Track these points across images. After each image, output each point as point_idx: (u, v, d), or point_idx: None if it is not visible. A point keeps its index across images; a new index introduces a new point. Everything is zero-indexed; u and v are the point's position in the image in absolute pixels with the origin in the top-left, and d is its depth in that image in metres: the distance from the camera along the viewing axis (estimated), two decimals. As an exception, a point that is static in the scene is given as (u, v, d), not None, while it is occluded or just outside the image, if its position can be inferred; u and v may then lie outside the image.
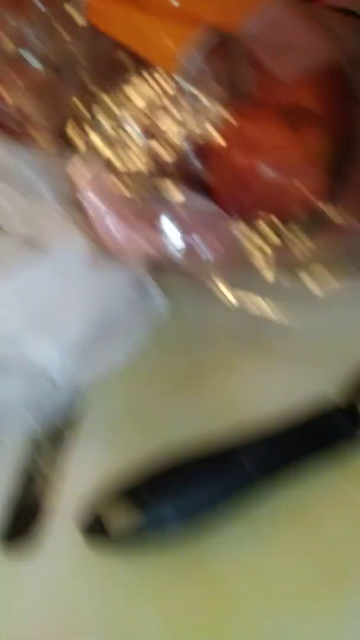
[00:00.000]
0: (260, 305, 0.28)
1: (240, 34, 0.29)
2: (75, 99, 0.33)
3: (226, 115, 0.32)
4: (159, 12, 0.28)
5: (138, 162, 0.31)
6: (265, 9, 0.29)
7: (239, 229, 0.32)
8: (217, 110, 0.32)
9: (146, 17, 0.27)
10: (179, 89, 0.29)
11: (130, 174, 0.30)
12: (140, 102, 0.30)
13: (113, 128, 0.30)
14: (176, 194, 0.31)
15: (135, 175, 0.31)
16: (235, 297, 0.29)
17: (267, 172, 0.32)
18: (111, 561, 0.25)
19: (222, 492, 0.26)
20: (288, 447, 0.26)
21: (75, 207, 0.32)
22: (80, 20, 0.29)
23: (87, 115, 0.31)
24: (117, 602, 0.24)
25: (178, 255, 0.28)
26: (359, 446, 0.27)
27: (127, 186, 0.30)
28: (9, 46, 0.35)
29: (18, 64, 0.36)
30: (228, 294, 0.28)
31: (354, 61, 0.32)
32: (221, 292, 0.28)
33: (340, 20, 0.32)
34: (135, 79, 0.29)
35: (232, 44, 0.32)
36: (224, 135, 0.32)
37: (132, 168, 0.31)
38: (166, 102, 0.30)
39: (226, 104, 0.32)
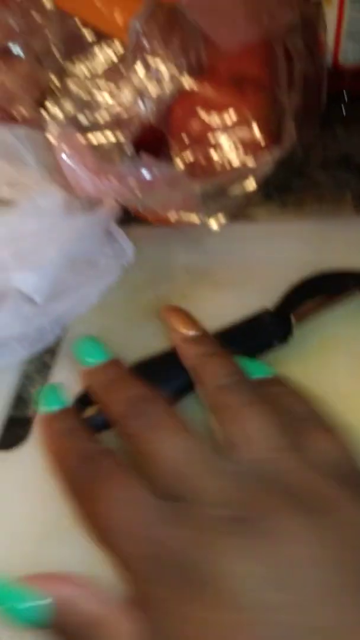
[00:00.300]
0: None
1: (178, 4, 0.35)
2: (51, 76, 0.38)
3: (181, 81, 0.37)
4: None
5: (105, 126, 0.36)
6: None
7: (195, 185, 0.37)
8: (173, 77, 0.37)
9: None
10: (136, 58, 0.34)
11: (99, 136, 0.36)
12: (104, 73, 0.35)
13: (83, 97, 0.36)
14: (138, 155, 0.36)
15: (104, 139, 0.36)
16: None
17: (216, 130, 0.37)
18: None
19: (169, 385, 0.30)
20: (225, 343, 0.31)
21: (55, 169, 0.38)
22: (49, 5, 0.34)
23: (61, 88, 0.36)
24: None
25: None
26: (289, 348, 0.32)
27: (96, 146, 0.35)
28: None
29: (6, 54, 0.41)
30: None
31: (283, 30, 0.37)
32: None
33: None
34: (99, 52, 0.34)
35: (183, 20, 0.37)
36: (179, 99, 0.37)
37: (101, 131, 0.36)
38: (125, 70, 0.35)
39: (181, 72, 0.37)
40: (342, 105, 0.55)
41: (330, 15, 0.50)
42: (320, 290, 0.34)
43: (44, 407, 0.28)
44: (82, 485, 0.24)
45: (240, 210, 0.33)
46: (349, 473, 0.22)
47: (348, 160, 0.49)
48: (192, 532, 0.20)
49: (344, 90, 0.55)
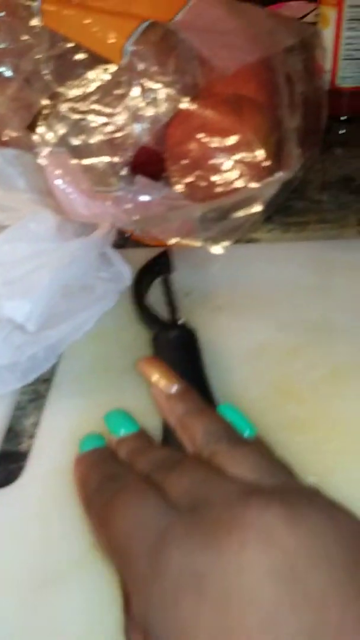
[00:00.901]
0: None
1: (172, 25, 0.34)
2: (42, 99, 0.37)
3: (178, 102, 0.36)
4: (101, 12, 0.32)
5: (99, 147, 0.35)
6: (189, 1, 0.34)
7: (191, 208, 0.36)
8: (169, 98, 0.36)
9: (91, 15, 0.32)
10: (131, 80, 0.34)
11: (92, 158, 0.35)
12: (97, 95, 0.34)
13: (75, 119, 0.35)
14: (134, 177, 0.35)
15: (98, 161, 0.35)
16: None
17: (217, 153, 0.36)
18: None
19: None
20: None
21: (47, 193, 0.36)
22: (37, 24, 0.33)
23: (53, 110, 0.36)
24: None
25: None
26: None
27: (89, 168, 0.34)
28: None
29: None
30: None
31: (282, 52, 0.37)
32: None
33: (267, 15, 0.37)
34: (92, 74, 0.34)
35: (178, 41, 0.36)
36: (176, 120, 0.37)
37: (95, 153, 0.35)
38: (121, 92, 0.34)
39: (177, 93, 0.37)
40: (341, 126, 0.55)
41: (328, 36, 0.50)
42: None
43: (80, 450, 0.27)
44: (100, 502, 0.23)
45: (244, 234, 0.32)
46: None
47: (349, 181, 0.48)
48: (195, 536, 0.20)
49: (343, 112, 0.54)
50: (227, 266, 0.39)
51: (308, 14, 0.74)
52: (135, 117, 0.35)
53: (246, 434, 0.26)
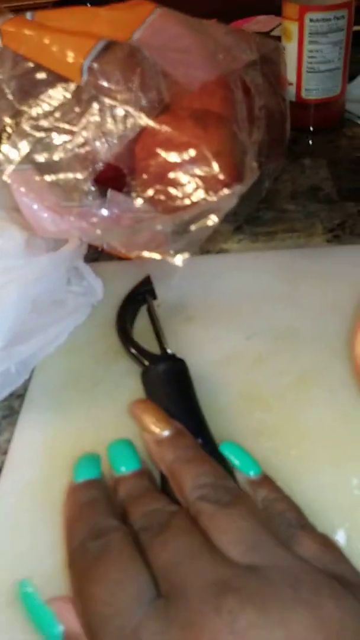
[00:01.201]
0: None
1: (132, 42, 0.35)
2: (5, 118, 0.37)
3: (143, 119, 0.37)
4: (60, 32, 0.33)
5: (68, 165, 0.35)
6: (146, 18, 0.35)
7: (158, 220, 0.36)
8: (132, 115, 0.37)
9: (50, 35, 0.33)
10: (94, 97, 0.34)
11: (57, 174, 0.35)
12: (60, 112, 0.35)
13: (39, 137, 0.35)
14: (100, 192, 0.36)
15: (63, 177, 0.35)
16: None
17: (176, 167, 0.37)
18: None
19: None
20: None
21: (14, 210, 0.37)
22: (-2, 44, 0.34)
23: (15, 128, 0.36)
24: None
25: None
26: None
27: (55, 185, 0.35)
28: None
29: None
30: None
31: (242, 70, 0.38)
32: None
33: (226, 32, 0.38)
34: (53, 92, 0.34)
35: (142, 58, 0.37)
36: (140, 137, 0.37)
37: (60, 169, 0.35)
38: (83, 109, 0.35)
39: (141, 111, 0.37)
40: (309, 137, 0.56)
41: (292, 50, 0.51)
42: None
43: (74, 478, 0.27)
44: (83, 562, 0.22)
45: (207, 245, 0.33)
46: (342, 574, 0.21)
47: (316, 191, 0.50)
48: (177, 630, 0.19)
49: (310, 123, 0.56)
50: (198, 276, 0.40)
51: (276, 27, 0.76)
52: (100, 133, 0.35)
53: (251, 473, 0.26)
